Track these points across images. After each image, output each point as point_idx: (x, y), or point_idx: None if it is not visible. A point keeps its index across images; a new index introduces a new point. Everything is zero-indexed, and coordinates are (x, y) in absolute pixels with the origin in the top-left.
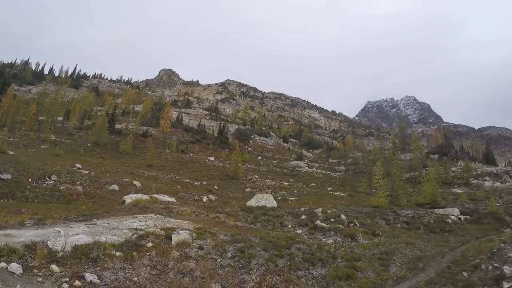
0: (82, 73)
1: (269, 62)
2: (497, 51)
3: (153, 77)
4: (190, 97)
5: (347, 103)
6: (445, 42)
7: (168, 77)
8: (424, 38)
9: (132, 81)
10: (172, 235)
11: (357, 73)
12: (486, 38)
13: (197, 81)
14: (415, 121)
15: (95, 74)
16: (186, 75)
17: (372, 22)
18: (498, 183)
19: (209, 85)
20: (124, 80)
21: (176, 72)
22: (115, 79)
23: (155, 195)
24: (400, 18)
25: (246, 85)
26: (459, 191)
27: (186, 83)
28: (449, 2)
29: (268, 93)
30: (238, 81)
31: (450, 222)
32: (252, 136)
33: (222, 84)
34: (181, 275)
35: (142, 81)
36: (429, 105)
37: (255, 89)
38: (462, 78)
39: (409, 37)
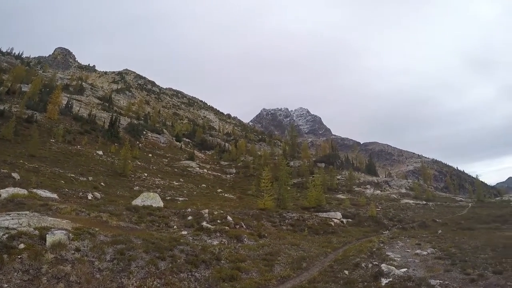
0: None
1: (171, 57)
2: (387, 80)
3: (47, 55)
4: (84, 83)
5: (243, 108)
6: (341, 65)
7: (63, 57)
8: (323, 58)
9: (24, 56)
10: (47, 235)
11: (256, 80)
12: (378, 68)
13: (94, 66)
14: (306, 132)
15: None
16: (83, 58)
17: (277, 34)
18: (379, 191)
19: (105, 73)
20: (15, 53)
21: (73, 53)
22: (5, 51)
23: (35, 190)
24: (304, 36)
25: (144, 78)
26: (342, 197)
27: (82, 67)
28: (351, 31)
29: (166, 89)
30: (137, 72)
31: (333, 224)
32: (144, 132)
33: (119, 73)
34: (56, 280)
35: (35, 58)
36: (321, 118)
37: (153, 83)
38: (353, 98)
39: (309, 54)
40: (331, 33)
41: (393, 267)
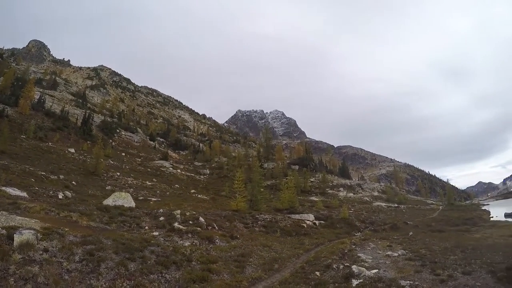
0: None
1: (148, 56)
2: (362, 87)
3: (21, 47)
4: (57, 78)
5: (219, 109)
6: (318, 70)
7: (37, 50)
8: (300, 63)
9: None
10: (15, 235)
11: (233, 82)
12: (354, 75)
13: (69, 60)
14: (281, 134)
15: None
16: (58, 52)
17: (256, 38)
18: (351, 194)
19: (80, 68)
20: None
21: (48, 47)
22: None
23: (4, 188)
24: (281, 41)
25: (120, 75)
26: (315, 199)
27: (56, 61)
28: (329, 38)
29: (141, 87)
30: (112, 69)
31: (305, 226)
32: (118, 130)
33: (94, 69)
34: (23, 282)
35: (8, 50)
36: (295, 121)
37: (128, 81)
38: (328, 102)
39: (286, 59)
40: (308, 40)
41: (364, 268)
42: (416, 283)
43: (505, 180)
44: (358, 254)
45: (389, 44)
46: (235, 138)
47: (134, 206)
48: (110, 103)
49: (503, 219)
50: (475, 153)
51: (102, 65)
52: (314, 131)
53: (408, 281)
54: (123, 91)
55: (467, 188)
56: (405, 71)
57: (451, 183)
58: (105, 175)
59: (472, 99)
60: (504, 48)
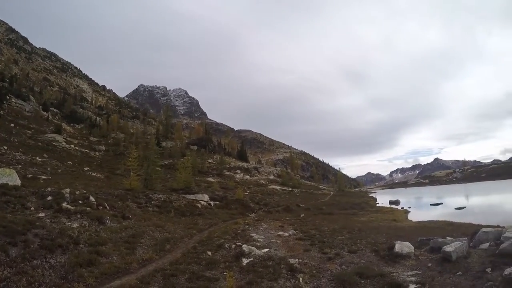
0: None
1: (52, 14)
2: (269, 76)
3: None
4: None
5: (120, 82)
6: (229, 55)
7: None
8: (211, 45)
9: None
10: None
11: (138, 55)
12: (263, 64)
13: None
14: (182, 113)
15: None
16: None
17: (171, 14)
18: (248, 176)
19: None
20: None
21: None
22: None
23: None
24: (195, 22)
25: (17, 32)
26: (212, 180)
27: None
28: (242, 25)
29: (39, 49)
30: (10, 25)
31: (200, 206)
32: (8, 97)
33: None
34: None
35: None
36: (198, 101)
37: (25, 40)
38: (233, 87)
39: (198, 40)
40: (224, 24)
41: (255, 248)
42: (305, 261)
43: (391, 172)
44: (250, 234)
45: (303, 42)
46: (134, 113)
47: (20, 184)
48: (2, 64)
49: (388, 205)
50: (364, 148)
51: None
52: (216, 113)
53: (297, 259)
54: (19, 52)
55: (357, 177)
56: (313, 68)
57: (343, 172)
58: None
59: (368, 101)
60: (404, 62)
